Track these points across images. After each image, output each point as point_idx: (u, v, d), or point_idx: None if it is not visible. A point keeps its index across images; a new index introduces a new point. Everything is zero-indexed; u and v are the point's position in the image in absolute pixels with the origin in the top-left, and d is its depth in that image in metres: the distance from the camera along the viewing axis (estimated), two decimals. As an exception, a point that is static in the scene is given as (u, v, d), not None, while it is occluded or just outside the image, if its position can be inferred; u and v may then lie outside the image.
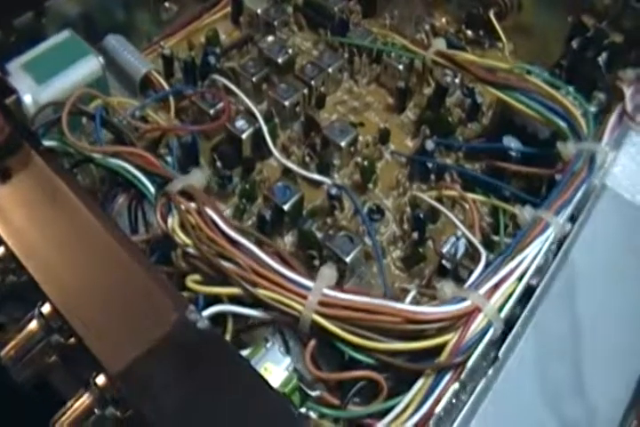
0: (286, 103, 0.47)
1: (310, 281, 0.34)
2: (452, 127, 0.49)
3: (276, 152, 0.45)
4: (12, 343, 0.35)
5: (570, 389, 0.42)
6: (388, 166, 0.48)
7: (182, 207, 0.37)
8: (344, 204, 0.44)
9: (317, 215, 0.44)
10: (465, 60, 0.47)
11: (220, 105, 0.47)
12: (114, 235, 0.36)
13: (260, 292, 0.34)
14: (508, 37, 0.53)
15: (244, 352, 0.35)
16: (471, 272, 0.38)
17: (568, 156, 0.42)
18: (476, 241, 0.40)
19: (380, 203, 0.45)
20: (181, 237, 0.36)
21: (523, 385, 0.42)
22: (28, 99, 0.43)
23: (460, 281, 0.38)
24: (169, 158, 0.44)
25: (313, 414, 0.34)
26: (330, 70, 0.50)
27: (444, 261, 0.41)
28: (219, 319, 0.36)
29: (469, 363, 0.34)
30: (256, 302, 0.35)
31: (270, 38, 0.52)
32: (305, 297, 0.34)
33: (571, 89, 0.45)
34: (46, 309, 0.34)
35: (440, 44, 0.48)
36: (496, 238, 0.43)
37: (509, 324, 0.38)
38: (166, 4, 0.54)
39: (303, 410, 0.34)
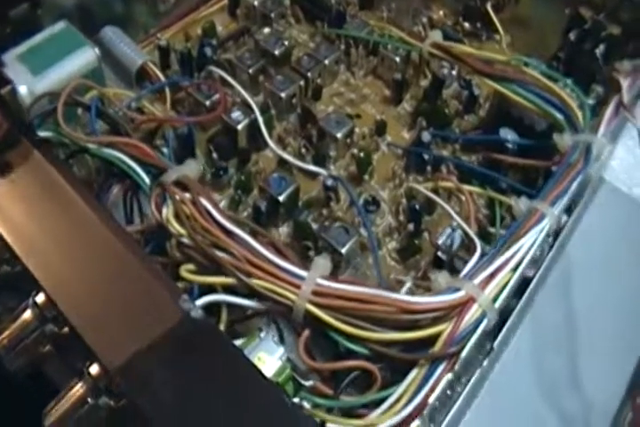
0: (283, 95, 0.47)
1: (304, 271, 0.34)
2: (449, 119, 0.49)
3: (271, 143, 0.45)
4: (6, 333, 0.35)
5: (566, 381, 0.42)
6: (384, 158, 0.48)
7: (177, 197, 0.37)
8: (340, 195, 0.44)
9: (313, 206, 0.44)
10: (462, 52, 0.47)
11: (216, 96, 0.47)
12: (108, 225, 0.36)
13: (254, 282, 0.34)
14: (505, 30, 0.53)
15: (238, 342, 0.35)
16: (466, 263, 0.38)
17: (564, 147, 0.42)
18: (471, 232, 0.40)
19: (376, 194, 0.45)
20: (176, 227, 0.36)
21: (519, 377, 0.42)
22: (23, 89, 0.43)
23: (455, 273, 0.38)
24: (165, 150, 0.44)
25: (306, 404, 0.34)
26: (326, 62, 0.50)
27: (439, 253, 0.41)
28: (213, 310, 0.36)
29: (463, 353, 0.34)
30: (250, 292, 0.35)
31: (267, 30, 0.53)
32: (299, 287, 0.34)
33: (568, 81, 0.45)
34: (40, 298, 0.34)
35: (436, 35, 0.48)
36: (492, 230, 0.43)
37: (505, 315, 0.38)
38: (164, -4, 0.54)
39: (296, 400, 0.34)
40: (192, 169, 0.39)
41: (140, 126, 0.44)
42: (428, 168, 0.46)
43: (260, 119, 0.45)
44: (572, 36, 0.50)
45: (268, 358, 0.34)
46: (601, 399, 0.41)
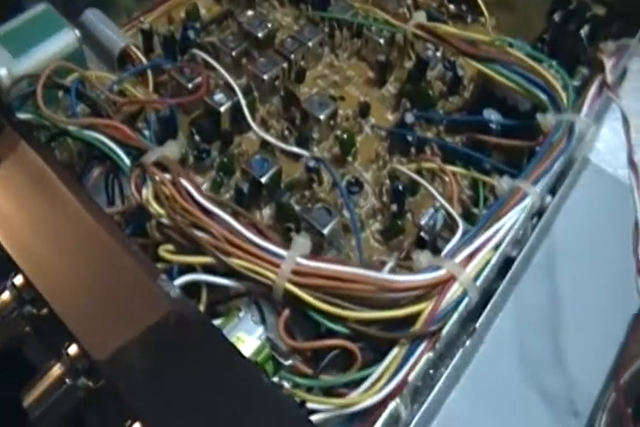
0: (265, 77, 0.47)
1: (283, 250, 0.34)
2: (433, 101, 0.49)
3: (254, 125, 0.45)
4: (-17, 315, 0.35)
5: (550, 361, 0.42)
6: (367, 140, 0.48)
7: (156, 178, 0.36)
8: (323, 177, 0.44)
9: (296, 188, 0.44)
10: (446, 33, 0.46)
11: (199, 79, 0.46)
12: (87, 207, 0.36)
13: (234, 261, 0.34)
14: (490, 12, 0.53)
15: (217, 322, 0.34)
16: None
17: (547, 127, 0.41)
18: (453, 212, 0.40)
19: (360, 176, 0.45)
20: (155, 207, 0.36)
21: (503, 358, 0.42)
22: (3, 71, 0.42)
23: (438, 253, 0.37)
24: (147, 132, 0.44)
25: (286, 384, 0.33)
26: (310, 44, 0.49)
27: (422, 233, 0.41)
28: (193, 291, 0.36)
29: (444, 331, 0.33)
30: (230, 272, 0.34)
31: (250, 13, 0.52)
32: (278, 266, 0.33)
33: (553, 63, 0.45)
34: (19, 280, 0.34)
35: (420, 16, 0.48)
36: (476, 211, 0.43)
37: (488, 296, 0.38)
38: (146, -21, 0.54)
39: (276, 379, 0.33)
40: (172, 150, 0.39)
41: (121, 109, 0.44)
42: (412, 149, 0.46)
43: (243, 101, 0.45)
44: (556, 17, 0.50)
45: (247, 337, 0.34)
46: (585, 380, 0.41)
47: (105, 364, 0.31)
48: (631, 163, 0.40)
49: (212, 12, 0.54)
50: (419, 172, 0.44)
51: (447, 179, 0.43)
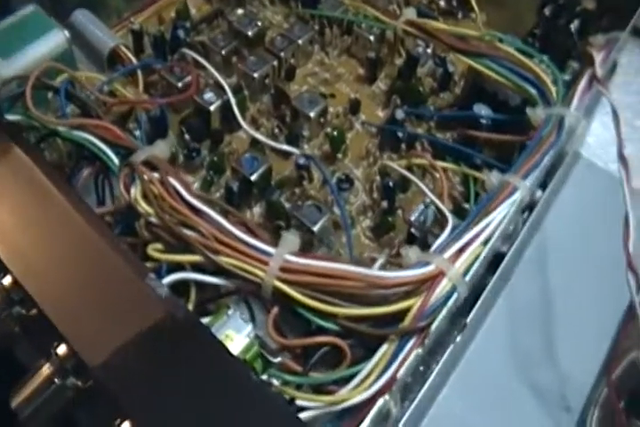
0: (255, 75, 0.47)
1: (272, 247, 0.34)
2: (424, 97, 0.48)
3: (244, 123, 0.45)
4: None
5: (542, 357, 0.42)
6: (358, 136, 0.48)
7: (145, 177, 0.36)
8: (313, 174, 0.44)
9: (286, 186, 0.44)
10: (436, 29, 0.46)
11: (189, 78, 0.46)
12: (76, 207, 0.36)
13: (222, 259, 0.34)
14: (480, 8, 0.53)
15: (206, 320, 0.34)
16: (439, 238, 0.37)
17: (537, 121, 0.41)
18: (443, 207, 0.40)
19: (350, 172, 0.45)
20: (144, 206, 0.36)
21: (494, 354, 0.42)
22: (-8, 73, 0.42)
23: (428, 249, 0.37)
24: (137, 132, 0.44)
25: (275, 381, 0.33)
26: (300, 42, 0.49)
27: (412, 230, 0.41)
28: (182, 289, 0.36)
29: (433, 326, 0.33)
30: (219, 270, 0.34)
31: (240, 11, 0.52)
32: (266, 263, 0.33)
33: (544, 57, 0.45)
34: (7, 280, 0.34)
35: (410, 13, 0.48)
36: (467, 207, 0.43)
37: (478, 291, 0.38)
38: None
39: (265, 377, 0.33)
40: (161, 149, 0.39)
41: (111, 109, 0.44)
42: (403, 146, 0.46)
43: (233, 100, 0.45)
44: (546, 11, 0.49)
45: (236, 335, 0.34)
46: (576, 375, 0.41)
47: (94, 363, 0.31)
48: (621, 157, 0.40)
49: (202, 11, 0.54)
50: (409, 168, 0.44)
51: (438, 175, 0.43)
